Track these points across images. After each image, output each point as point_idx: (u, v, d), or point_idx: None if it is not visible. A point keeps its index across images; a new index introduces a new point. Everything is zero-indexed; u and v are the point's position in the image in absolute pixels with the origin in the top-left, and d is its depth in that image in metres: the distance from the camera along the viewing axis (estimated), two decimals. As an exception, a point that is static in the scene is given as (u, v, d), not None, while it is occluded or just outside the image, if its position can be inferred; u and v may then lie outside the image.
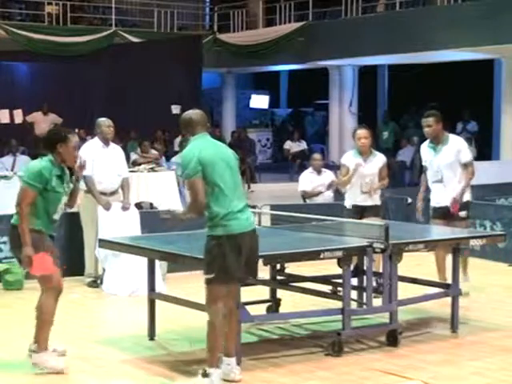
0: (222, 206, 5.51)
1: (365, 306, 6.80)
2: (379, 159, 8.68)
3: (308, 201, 11.79)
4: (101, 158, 9.13)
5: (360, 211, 8.56)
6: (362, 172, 8.55)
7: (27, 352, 6.16)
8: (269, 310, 7.53)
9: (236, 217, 5.53)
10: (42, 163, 5.96)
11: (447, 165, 8.36)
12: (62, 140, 6.01)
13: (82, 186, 9.12)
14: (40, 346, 5.95)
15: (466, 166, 8.40)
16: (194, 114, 5.78)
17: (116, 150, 9.47)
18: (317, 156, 12.15)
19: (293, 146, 21.98)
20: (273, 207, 10.20)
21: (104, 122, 9.32)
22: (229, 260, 5.49)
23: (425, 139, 8.73)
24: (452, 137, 8.55)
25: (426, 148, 8.61)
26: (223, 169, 5.58)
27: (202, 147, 5.58)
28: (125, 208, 9.28)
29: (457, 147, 8.39)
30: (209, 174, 5.50)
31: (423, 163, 8.71)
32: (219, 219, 5.50)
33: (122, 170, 9.41)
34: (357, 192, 8.62)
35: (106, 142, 9.28)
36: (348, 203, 8.74)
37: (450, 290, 7.24)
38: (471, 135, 20.44)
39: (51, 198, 6.00)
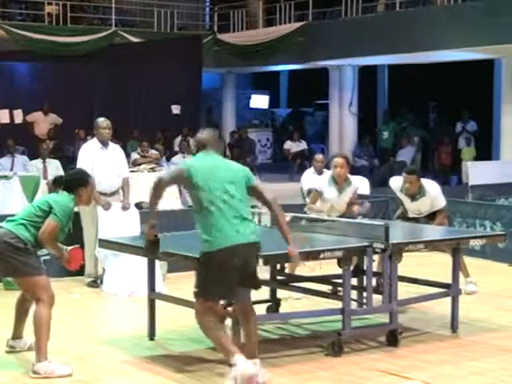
0: (204, 225, 5.57)
1: (365, 306, 6.81)
2: (352, 188, 8.49)
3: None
4: (100, 159, 9.13)
5: None
6: (336, 203, 8.44)
7: (6, 348, 6.39)
8: (269, 310, 7.53)
9: (217, 235, 5.52)
10: (72, 204, 6.15)
11: (426, 210, 8.74)
12: (83, 184, 6.22)
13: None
14: (43, 356, 5.93)
15: (441, 210, 8.78)
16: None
17: (116, 150, 9.46)
18: (319, 157, 12.00)
19: (293, 146, 21.97)
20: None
21: (102, 123, 9.28)
22: (206, 277, 5.56)
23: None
24: (427, 186, 8.72)
25: (402, 193, 8.76)
26: (215, 188, 5.58)
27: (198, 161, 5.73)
28: (125, 208, 9.28)
29: (432, 197, 8.68)
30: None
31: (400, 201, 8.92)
32: (203, 237, 5.56)
33: (121, 171, 9.40)
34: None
35: (104, 143, 9.27)
36: None
37: (450, 290, 7.24)
38: (471, 135, 20.44)
39: (58, 234, 6.13)
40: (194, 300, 6.80)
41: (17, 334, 6.47)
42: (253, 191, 5.76)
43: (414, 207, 8.74)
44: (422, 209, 8.73)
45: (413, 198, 8.67)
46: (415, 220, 8.70)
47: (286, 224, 5.82)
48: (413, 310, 7.73)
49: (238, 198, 5.63)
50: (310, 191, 11.58)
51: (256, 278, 5.79)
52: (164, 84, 21.03)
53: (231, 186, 5.62)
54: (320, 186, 8.60)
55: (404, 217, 8.82)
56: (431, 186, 8.73)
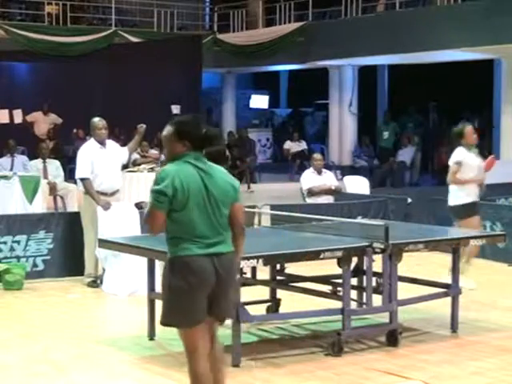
0: None
1: (365, 306, 6.80)
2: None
3: (311, 200, 11.63)
4: (99, 159, 9.12)
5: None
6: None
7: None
8: (269, 310, 7.53)
9: None
10: None
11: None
12: None
13: (81, 187, 9.14)
14: None
15: None
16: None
17: (113, 148, 9.46)
18: (317, 156, 12.06)
19: (293, 146, 21.98)
20: (273, 207, 10.22)
21: (98, 124, 9.25)
22: None
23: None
24: None
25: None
26: None
27: None
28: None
29: None
30: None
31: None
32: None
33: (125, 156, 9.66)
34: None
35: (102, 143, 9.28)
36: None
37: (450, 290, 7.24)
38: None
39: None
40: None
41: None
42: None
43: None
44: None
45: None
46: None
47: None
48: (413, 309, 7.72)
49: None
50: (309, 191, 11.61)
51: None
52: (164, 84, 21.03)
53: None
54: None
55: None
56: None
